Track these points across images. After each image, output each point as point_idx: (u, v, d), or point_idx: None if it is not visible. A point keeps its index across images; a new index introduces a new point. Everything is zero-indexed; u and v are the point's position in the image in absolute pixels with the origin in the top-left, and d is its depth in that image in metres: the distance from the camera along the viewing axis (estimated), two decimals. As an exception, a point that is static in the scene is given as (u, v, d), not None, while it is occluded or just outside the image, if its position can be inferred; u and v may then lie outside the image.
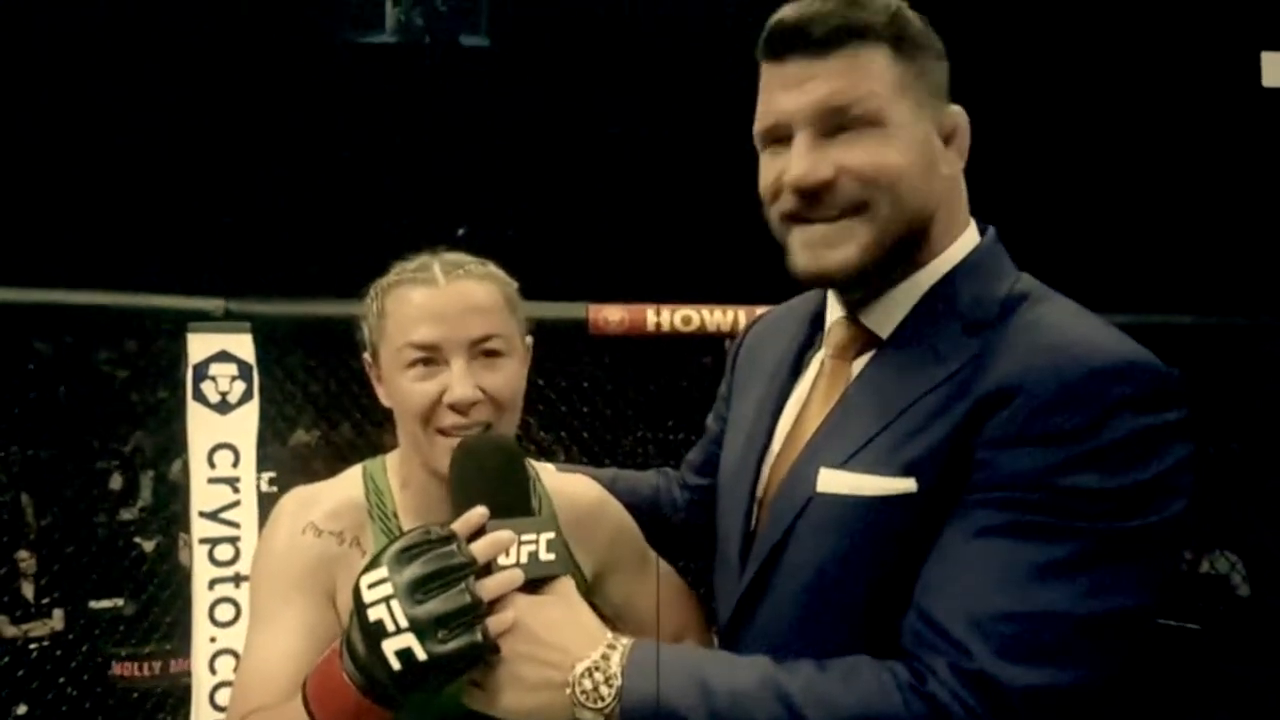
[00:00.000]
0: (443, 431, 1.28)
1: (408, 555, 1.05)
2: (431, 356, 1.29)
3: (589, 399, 3.77)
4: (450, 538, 1.07)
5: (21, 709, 4.27)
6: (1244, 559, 4.69)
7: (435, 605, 1.02)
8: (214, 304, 2.67)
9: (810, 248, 1.19)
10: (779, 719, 1.01)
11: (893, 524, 1.11)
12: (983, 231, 1.27)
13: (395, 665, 1.01)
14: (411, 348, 1.29)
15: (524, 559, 1.10)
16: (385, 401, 1.39)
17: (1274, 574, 4.23)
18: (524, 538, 1.10)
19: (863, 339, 1.25)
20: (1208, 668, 4.06)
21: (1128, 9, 10.56)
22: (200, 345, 2.64)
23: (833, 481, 1.16)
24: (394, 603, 1.02)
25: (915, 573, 1.09)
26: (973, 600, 1.02)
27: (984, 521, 1.05)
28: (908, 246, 1.19)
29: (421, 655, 1.00)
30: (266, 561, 1.36)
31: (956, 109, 1.21)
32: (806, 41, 1.15)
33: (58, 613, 5.61)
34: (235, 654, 2.56)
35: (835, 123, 1.15)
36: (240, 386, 2.65)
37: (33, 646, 5.21)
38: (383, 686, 1.04)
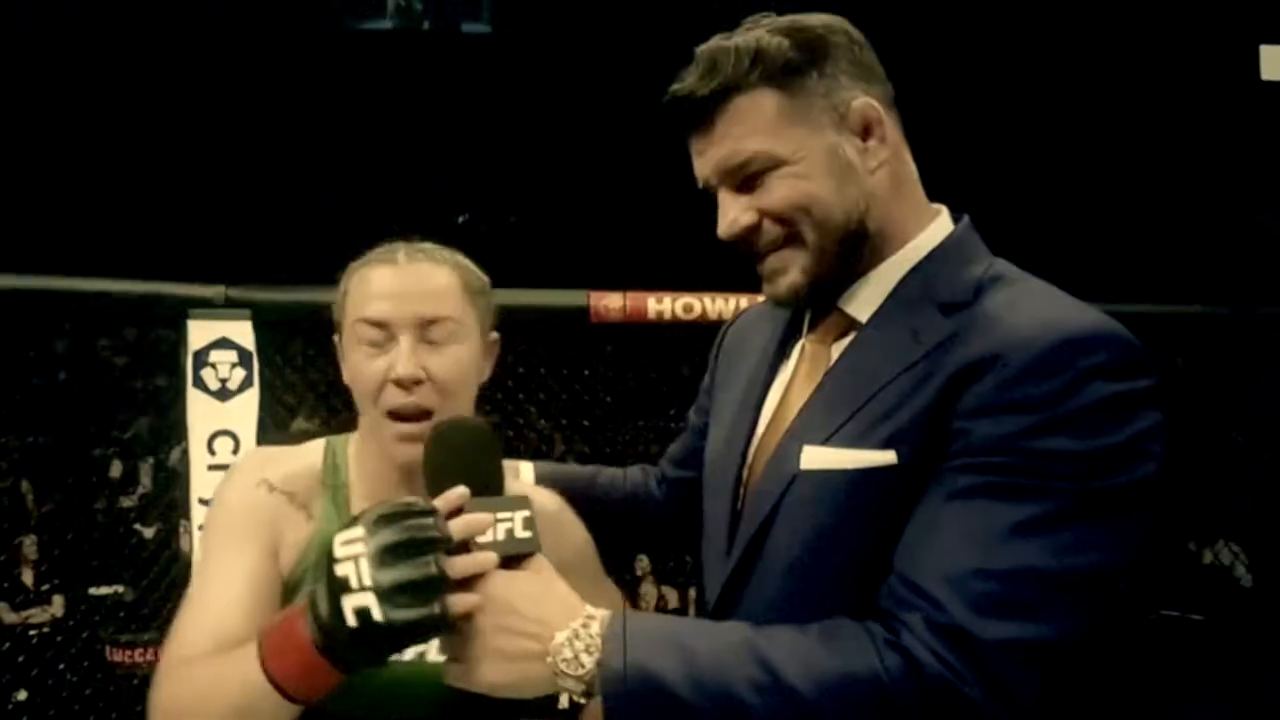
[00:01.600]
0: (391, 414, 1.31)
1: (385, 520, 1.06)
2: (382, 334, 1.31)
3: (589, 387, 3.76)
4: (432, 512, 1.08)
5: (22, 695, 4.27)
6: (1247, 550, 4.69)
7: (400, 571, 1.03)
8: (214, 291, 2.66)
9: (765, 279, 1.30)
10: (758, 680, 1.03)
11: (875, 497, 1.14)
12: (956, 220, 1.32)
13: (352, 622, 1.03)
14: (363, 324, 1.32)
15: (501, 536, 1.11)
16: (347, 382, 1.41)
17: (1277, 565, 4.23)
18: (500, 516, 1.11)
19: (843, 324, 1.30)
20: (1210, 658, 4.07)
21: (1129, 2, 10.55)
22: (200, 332, 2.63)
23: (816, 458, 1.19)
24: (362, 561, 1.04)
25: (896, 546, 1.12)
26: (947, 558, 1.05)
27: (961, 485, 1.08)
28: (851, 248, 1.25)
29: (378, 616, 1.02)
30: (220, 511, 1.39)
31: (862, 102, 1.24)
32: (689, 117, 1.26)
33: (58, 599, 5.63)
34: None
35: (741, 176, 1.24)
36: (240, 373, 2.64)
37: (33, 633, 5.22)
38: (336, 643, 1.05)
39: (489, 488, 1.15)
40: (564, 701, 1.09)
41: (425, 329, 1.32)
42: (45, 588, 5.61)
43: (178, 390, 2.67)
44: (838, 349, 1.29)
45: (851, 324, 1.28)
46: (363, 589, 1.02)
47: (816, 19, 1.26)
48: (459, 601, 1.06)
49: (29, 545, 5.74)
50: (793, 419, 1.27)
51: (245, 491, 1.38)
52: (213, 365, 2.63)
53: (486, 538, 1.10)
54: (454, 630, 1.08)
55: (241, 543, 1.33)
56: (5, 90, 10.57)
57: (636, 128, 11.51)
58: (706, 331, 3.04)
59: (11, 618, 5.48)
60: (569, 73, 11.95)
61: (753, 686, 1.02)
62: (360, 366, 1.32)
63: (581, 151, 12.09)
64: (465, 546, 1.09)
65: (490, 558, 1.09)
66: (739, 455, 1.35)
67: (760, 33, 1.23)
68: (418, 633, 1.05)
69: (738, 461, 1.34)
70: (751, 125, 1.22)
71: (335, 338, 1.43)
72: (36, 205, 10.93)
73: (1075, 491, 1.04)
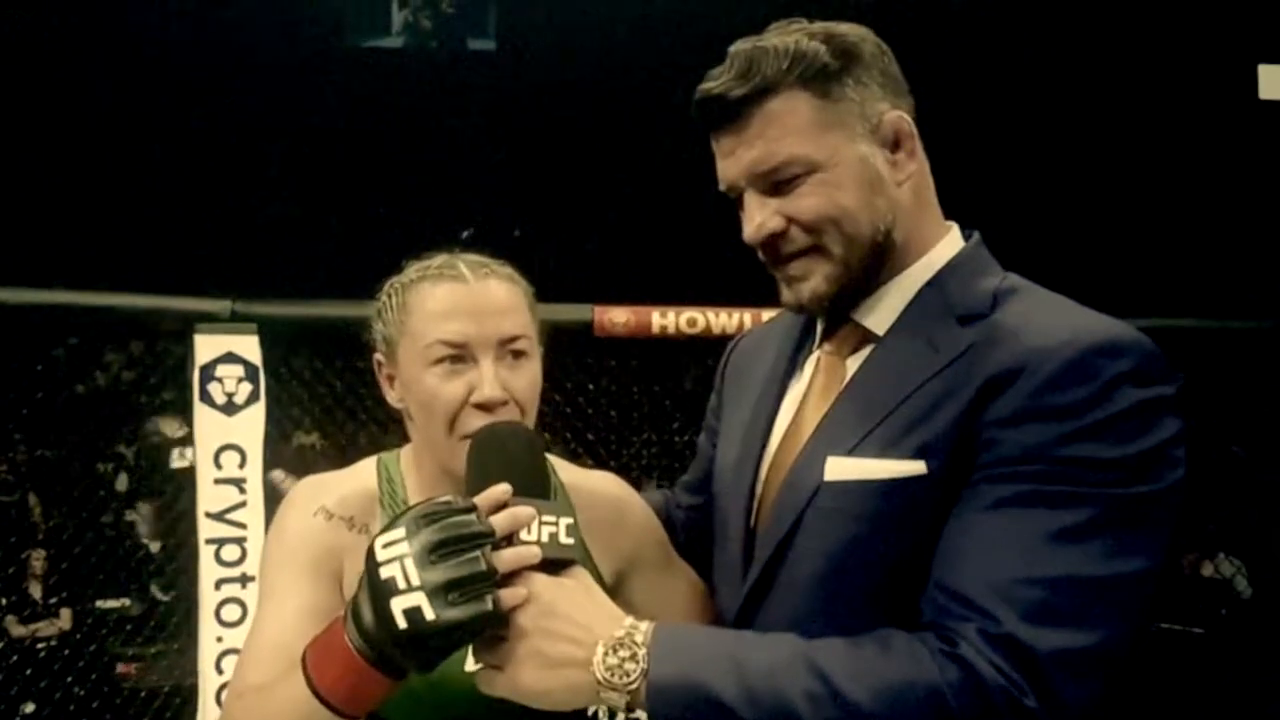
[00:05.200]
0: (467, 436, 1.24)
1: (427, 519, 1.04)
2: (459, 354, 1.27)
3: (594, 401, 3.77)
4: (472, 508, 1.06)
5: (29, 708, 4.29)
6: (1247, 563, 4.68)
7: (449, 569, 1.01)
8: (221, 305, 2.68)
9: (786, 285, 1.28)
10: (813, 691, 1.00)
11: (904, 507, 1.13)
12: (967, 237, 1.32)
13: (401, 624, 1.00)
14: (441, 344, 1.27)
15: (544, 538, 1.08)
16: (396, 403, 1.37)
17: (1277, 578, 4.23)
18: (544, 519, 1.09)
19: (858, 336, 1.29)
20: (1211, 671, 4.06)
21: (1126, 22, 10.57)
22: (207, 346, 2.65)
23: (841, 469, 1.17)
24: (408, 562, 1.01)
25: (926, 557, 1.10)
26: (993, 569, 1.04)
27: (997, 495, 1.07)
28: (876, 259, 1.24)
29: (429, 615, 0.99)
30: (277, 542, 1.35)
31: (894, 115, 1.24)
32: (722, 117, 1.23)
33: (65, 612, 5.64)
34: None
35: (772, 180, 1.22)
36: (247, 388, 2.66)
37: (40, 646, 5.24)
38: (385, 649, 1.03)
39: (532, 490, 1.12)
40: (593, 711, 1.08)
41: (504, 348, 1.29)
42: (53, 601, 5.63)
43: (185, 405, 2.69)
44: (853, 362, 1.28)
45: (866, 336, 1.28)
46: (411, 589, 1.00)
47: (847, 27, 1.24)
48: (510, 596, 1.04)
49: (37, 559, 5.76)
50: (812, 431, 1.25)
51: (302, 521, 1.34)
52: (219, 379, 2.65)
53: (530, 536, 1.08)
54: (505, 626, 1.05)
55: (298, 573, 1.30)
56: (13, 104, 10.62)
57: (641, 143, 11.54)
58: (710, 345, 3.07)
59: (19, 630, 5.50)
60: (574, 88, 11.98)
61: (807, 698, 1.00)
62: (435, 388, 1.27)
63: (586, 166, 12.11)
64: (509, 543, 1.07)
65: (534, 549, 1.06)
66: (751, 471, 1.33)
67: (797, 36, 1.21)
68: (471, 630, 1.02)
69: (750, 478, 1.32)
70: (787, 127, 1.20)
71: (377, 358, 1.39)
72: (44, 220, 10.97)
73: (1112, 498, 1.04)
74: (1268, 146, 9.26)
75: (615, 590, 1.43)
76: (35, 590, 5.68)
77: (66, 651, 4.63)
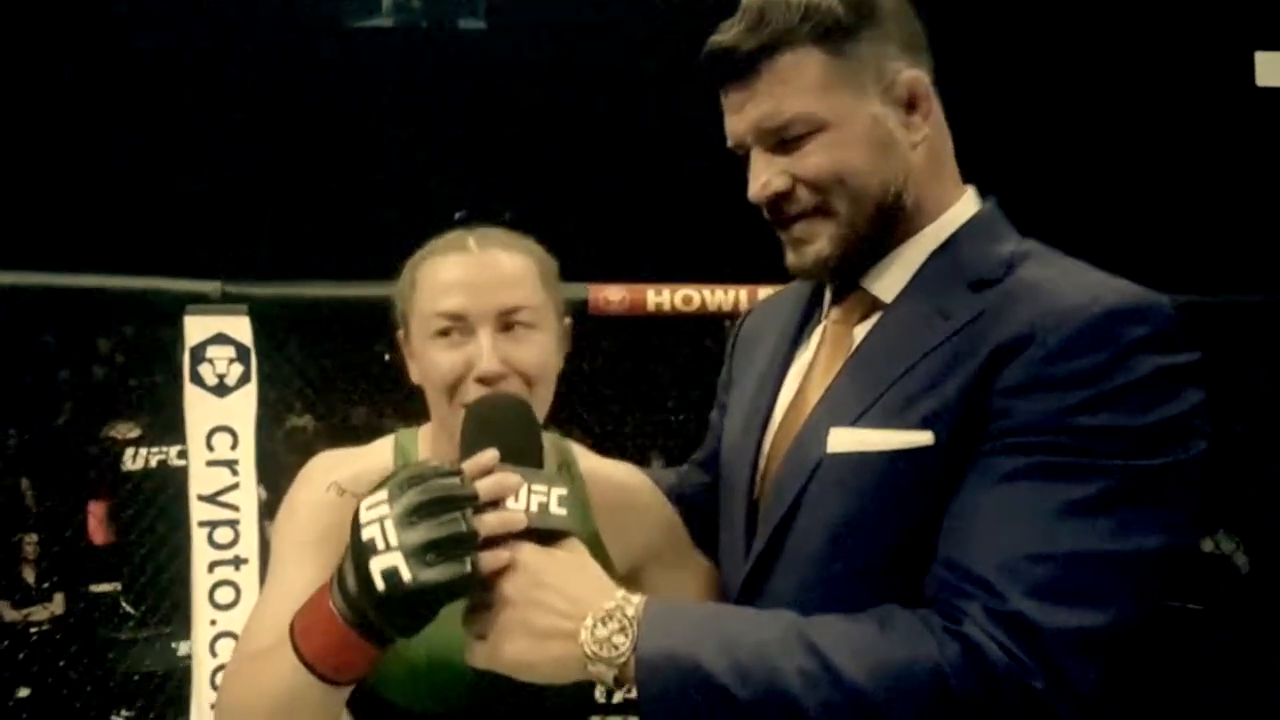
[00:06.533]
0: (467, 406, 1.21)
1: (410, 482, 1.02)
2: (459, 326, 1.25)
3: (589, 380, 3.76)
4: (457, 472, 1.04)
5: (23, 692, 4.28)
6: (1246, 540, 4.69)
7: (427, 529, 0.99)
8: (211, 286, 2.66)
9: (790, 247, 1.24)
10: (808, 669, 0.96)
11: (909, 479, 1.09)
12: (983, 200, 1.27)
13: (380, 585, 0.98)
14: (439, 316, 1.25)
15: (533, 508, 1.05)
16: (416, 379, 1.35)
17: (1276, 555, 4.24)
18: (534, 487, 1.06)
19: (866, 304, 1.24)
20: (1210, 647, 4.07)
21: (1125, 9, 10.57)
22: (197, 328, 2.62)
23: (844, 440, 1.14)
24: (388, 523, 1.00)
25: (932, 531, 1.06)
26: (1001, 544, 0.99)
27: (1007, 467, 1.02)
28: (884, 222, 1.20)
29: (407, 576, 0.97)
30: (289, 516, 1.34)
31: (910, 75, 1.19)
32: (731, 71, 1.19)
33: (58, 597, 5.63)
34: (236, 636, 2.55)
35: (779, 138, 1.18)
36: (238, 369, 2.64)
37: (34, 630, 5.23)
38: (365, 612, 1.01)
39: (523, 460, 1.09)
40: (599, 695, 1.05)
41: (505, 319, 1.26)
42: (46, 585, 5.62)
43: (176, 386, 2.67)
44: (861, 330, 1.23)
45: (875, 304, 1.23)
46: (389, 550, 0.98)
47: None
48: (491, 559, 1.01)
49: (29, 543, 5.75)
50: (816, 402, 1.21)
51: (314, 496, 1.33)
52: (210, 361, 2.62)
53: (518, 505, 1.05)
54: (486, 590, 1.02)
55: (308, 547, 1.29)
56: (2, 87, 10.57)
57: (633, 120, 11.51)
58: (706, 323, 3.05)
59: (12, 615, 5.49)
60: (564, 67, 11.94)
61: (802, 676, 0.96)
62: (435, 360, 1.26)
63: (578, 145, 12.09)
64: (494, 508, 1.03)
65: (519, 515, 1.03)
66: (754, 445, 1.29)
67: None
68: (449, 592, 0.99)
69: (753, 452, 1.29)
70: (796, 85, 1.15)
71: (399, 334, 1.37)
72: (32, 201, 10.92)
73: (1127, 470, 0.99)
74: (1264, 132, 9.28)
75: (630, 580, 1.39)
76: (28, 575, 5.67)
77: (60, 636, 4.63)
